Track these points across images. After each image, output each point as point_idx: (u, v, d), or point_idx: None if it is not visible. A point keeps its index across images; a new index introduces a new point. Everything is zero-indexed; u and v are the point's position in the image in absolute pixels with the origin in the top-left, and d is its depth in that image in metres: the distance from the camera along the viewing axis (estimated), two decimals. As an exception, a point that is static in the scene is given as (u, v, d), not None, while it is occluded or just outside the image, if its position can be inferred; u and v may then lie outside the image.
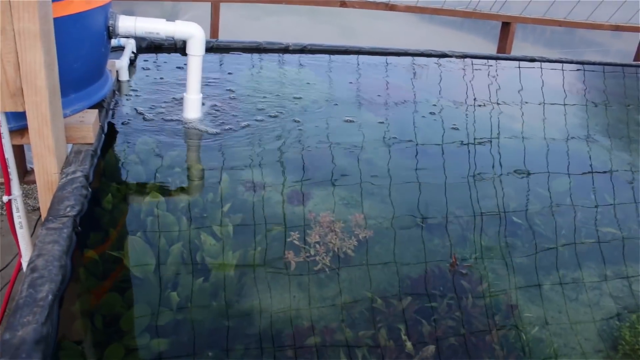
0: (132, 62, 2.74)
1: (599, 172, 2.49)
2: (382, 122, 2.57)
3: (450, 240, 1.76)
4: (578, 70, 4.06)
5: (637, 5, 5.17)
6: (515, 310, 1.51)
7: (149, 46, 2.99)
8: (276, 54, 3.17)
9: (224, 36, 3.86)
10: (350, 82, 2.96)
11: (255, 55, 3.15)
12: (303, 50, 3.19)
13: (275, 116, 2.44)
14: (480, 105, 2.98)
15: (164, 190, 1.81)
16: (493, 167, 2.35)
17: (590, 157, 2.63)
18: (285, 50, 3.17)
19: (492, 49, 4.84)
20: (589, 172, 2.48)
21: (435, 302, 1.46)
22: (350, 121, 2.53)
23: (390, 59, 3.43)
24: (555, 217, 2.04)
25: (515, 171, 2.32)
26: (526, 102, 3.19)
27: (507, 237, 1.86)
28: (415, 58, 3.46)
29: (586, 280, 1.75)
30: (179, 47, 3.00)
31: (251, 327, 1.39)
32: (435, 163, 2.31)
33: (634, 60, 5.26)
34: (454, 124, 2.68)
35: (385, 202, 1.95)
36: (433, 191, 2.08)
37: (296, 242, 1.68)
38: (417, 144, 2.42)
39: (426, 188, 2.09)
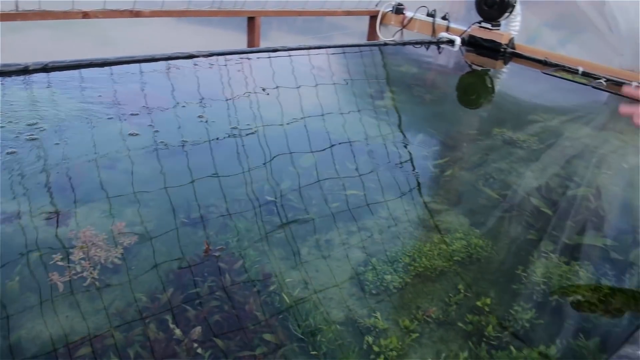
0: None
1: (346, 143, 2.82)
2: (138, 132, 2.60)
3: (211, 230, 1.90)
4: (324, 54, 4.46)
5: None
6: (274, 278, 1.70)
7: None
8: (16, 76, 3.00)
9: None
10: (100, 95, 2.93)
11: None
12: (45, 69, 3.06)
13: (26, 140, 2.34)
14: (236, 99, 3.16)
15: None
16: (255, 154, 2.54)
17: (338, 131, 2.96)
18: (25, 71, 3.01)
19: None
20: (337, 144, 2.80)
21: (198, 287, 1.58)
22: (109, 134, 2.52)
23: (144, 66, 3.45)
24: (307, 189, 2.29)
25: (272, 154, 2.53)
26: (279, 89, 3.45)
27: (264, 216, 2.04)
28: (168, 62, 3.52)
29: (337, 239, 2.01)
30: None
31: (19, 357, 1.37)
32: (200, 161, 2.42)
33: (367, 39, 5.92)
34: (213, 120, 2.81)
35: (149, 206, 2.01)
36: (197, 187, 2.19)
37: (60, 264, 1.67)
38: (179, 145, 2.51)
39: (188, 186, 2.19)
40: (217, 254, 1.73)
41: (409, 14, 5.78)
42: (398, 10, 5.85)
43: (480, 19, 5.13)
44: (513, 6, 4.91)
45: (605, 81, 4.54)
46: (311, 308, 1.64)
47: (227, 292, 1.56)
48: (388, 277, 1.82)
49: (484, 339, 1.58)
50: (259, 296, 1.59)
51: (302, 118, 3.06)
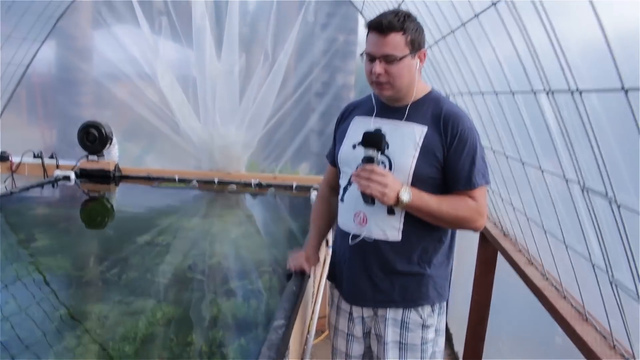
0: None
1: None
2: None
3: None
4: None
5: None
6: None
7: None
8: None
9: None
10: None
11: None
12: None
13: None
14: None
15: None
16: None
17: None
18: None
19: None
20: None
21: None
22: None
23: None
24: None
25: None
26: None
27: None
28: None
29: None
30: None
31: None
32: None
33: None
34: None
35: None
36: None
37: None
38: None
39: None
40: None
41: (15, 159, 6.23)
42: (2, 158, 6.22)
43: (86, 153, 6.09)
44: (111, 139, 6.07)
45: (196, 182, 6.11)
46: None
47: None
48: (127, 348, 2.69)
49: (204, 353, 2.64)
50: None
51: None
